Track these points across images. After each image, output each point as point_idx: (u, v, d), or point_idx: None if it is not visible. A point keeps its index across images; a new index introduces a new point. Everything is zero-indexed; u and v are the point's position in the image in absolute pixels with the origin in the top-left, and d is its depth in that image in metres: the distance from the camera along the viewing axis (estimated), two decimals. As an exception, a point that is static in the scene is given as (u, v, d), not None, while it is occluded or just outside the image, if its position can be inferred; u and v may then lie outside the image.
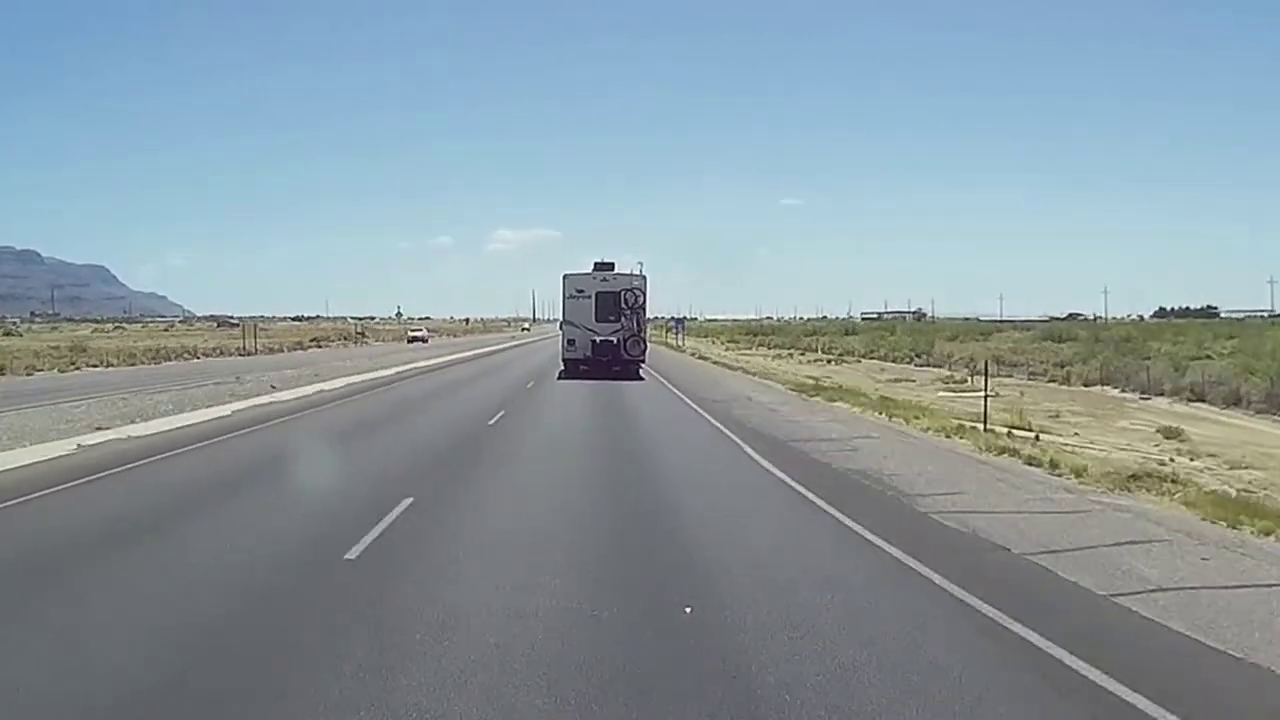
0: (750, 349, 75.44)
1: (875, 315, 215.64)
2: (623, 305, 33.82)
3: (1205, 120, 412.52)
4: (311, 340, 76.83)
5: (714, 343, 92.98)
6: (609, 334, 33.69)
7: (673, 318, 76.84)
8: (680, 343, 75.76)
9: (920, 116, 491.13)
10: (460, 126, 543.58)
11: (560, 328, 37.30)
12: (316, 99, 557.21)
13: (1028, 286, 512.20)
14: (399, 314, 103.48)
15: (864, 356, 55.28)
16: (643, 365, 35.09)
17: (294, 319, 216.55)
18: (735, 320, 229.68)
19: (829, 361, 51.86)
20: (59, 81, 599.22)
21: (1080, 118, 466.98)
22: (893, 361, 50.94)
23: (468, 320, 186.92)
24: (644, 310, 34.73)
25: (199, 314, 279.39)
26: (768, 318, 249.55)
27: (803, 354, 63.82)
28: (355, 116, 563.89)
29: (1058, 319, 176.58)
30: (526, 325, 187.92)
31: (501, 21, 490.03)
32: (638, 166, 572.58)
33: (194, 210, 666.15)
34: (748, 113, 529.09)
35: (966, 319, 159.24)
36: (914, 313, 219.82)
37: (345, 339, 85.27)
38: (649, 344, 37.09)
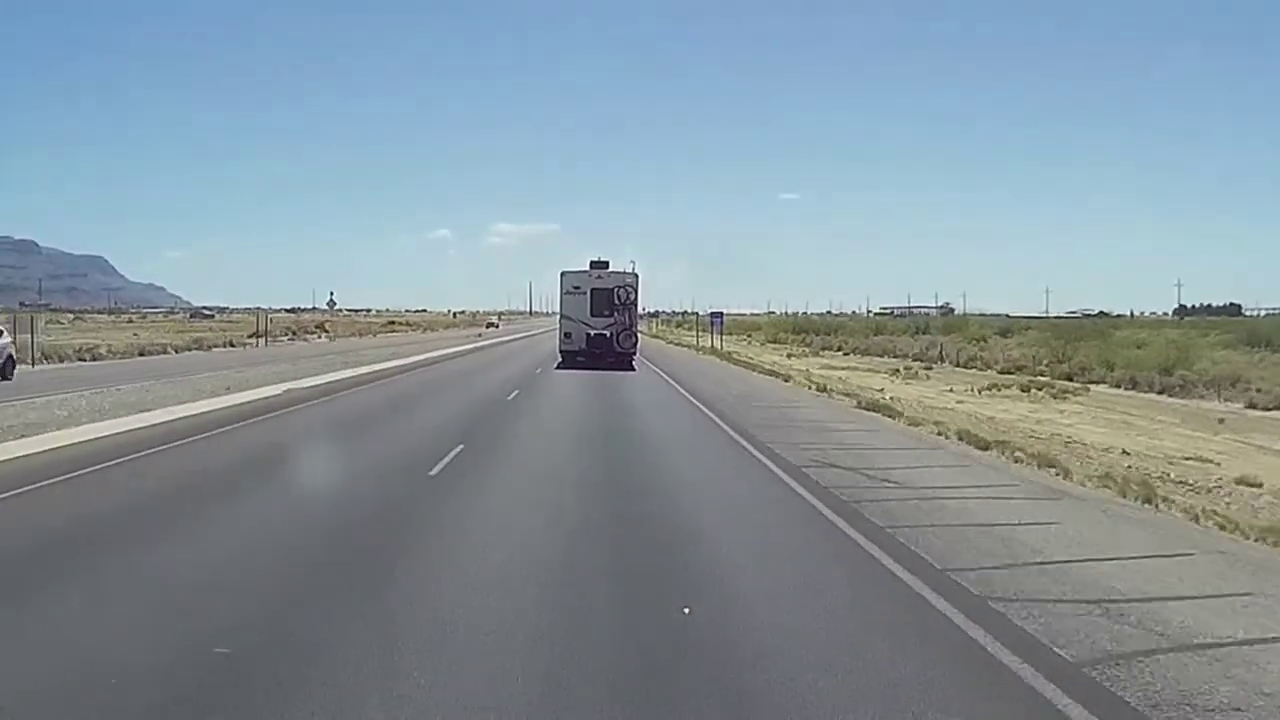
0: (819, 356, 51.22)
1: (889, 310, 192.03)
2: (615, 301, 34.40)
3: (1212, 120, 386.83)
4: (194, 343, 52.83)
5: (750, 343, 68.95)
6: (603, 328, 34.21)
7: (711, 313, 52.07)
8: (721, 345, 51.80)
9: (921, 116, 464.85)
10: (459, 119, 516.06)
11: (558, 321, 37.22)
12: (318, 91, 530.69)
13: (1037, 283, 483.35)
14: (331, 302, 78.58)
15: (1065, 377, 31.03)
16: (635, 357, 35.16)
17: (288, 310, 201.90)
18: (742, 315, 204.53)
19: (1029, 391, 27.54)
20: (59, 73, 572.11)
21: (1084, 116, 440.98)
22: (1157, 391, 26.74)
23: (456, 314, 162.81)
24: (635, 306, 35.71)
25: (196, 305, 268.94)
26: (771, 312, 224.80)
27: (925, 368, 39.48)
28: (355, 108, 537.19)
29: (1090, 315, 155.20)
30: (495, 320, 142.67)
31: (501, 15, 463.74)
32: (637, 160, 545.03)
33: (194, 201, 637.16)
34: (750, 107, 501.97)
35: (987, 315, 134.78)
36: (941, 308, 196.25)
37: (256, 336, 61.26)
38: (640, 337, 39.16)
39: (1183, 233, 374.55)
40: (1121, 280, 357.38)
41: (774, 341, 69.15)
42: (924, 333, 73.00)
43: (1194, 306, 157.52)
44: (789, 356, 47.73)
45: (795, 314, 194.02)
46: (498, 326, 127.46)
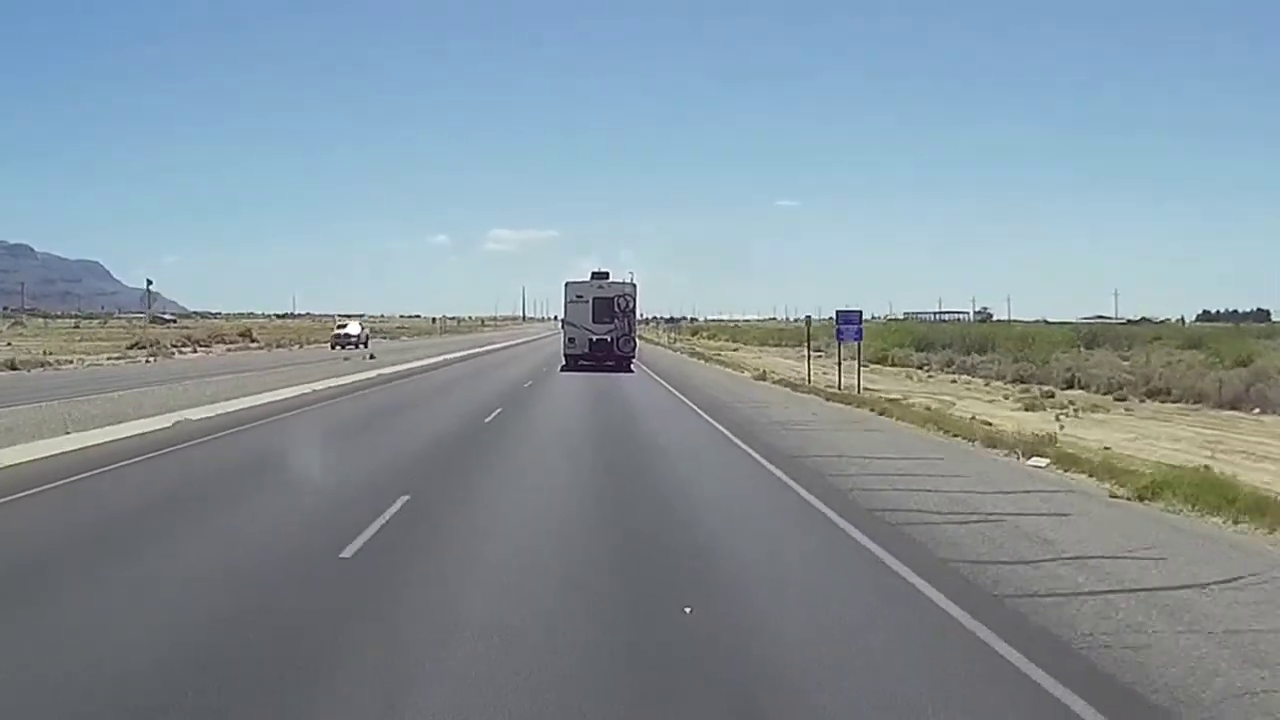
0: (1060, 403, 24.68)
1: (906, 317, 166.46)
2: (615, 309, 35.90)
3: (1228, 117, 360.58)
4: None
5: (877, 370, 42.42)
6: (604, 333, 35.62)
7: (840, 314, 25.98)
8: (859, 381, 25.50)
9: (926, 117, 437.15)
10: (457, 125, 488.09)
11: (562, 327, 39.02)
12: (315, 97, 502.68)
13: (1066, 288, 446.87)
14: (150, 299, 51.83)
15: None
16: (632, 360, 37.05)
17: (280, 316, 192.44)
18: (747, 321, 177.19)
19: None
20: (56, 75, 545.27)
21: (1095, 113, 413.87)
22: None
23: (435, 319, 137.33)
24: (634, 313, 37.91)
25: (191, 309, 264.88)
26: (771, 317, 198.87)
27: None
28: (353, 114, 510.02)
29: (1151, 321, 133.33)
30: (352, 329, 66.89)
31: (500, 21, 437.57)
32: (636, 166, 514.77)
33: (189, 206, 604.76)
34: (750, 111, 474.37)
35: (1040, 322, 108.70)
36: (979, 313, 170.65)
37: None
38: (638, 343, 41.75)
39: (1190, 237, 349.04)
40: (1126, 284, 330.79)
41: (880, 361, 42.45)
42: (1093, 346, 47.54)
43: (1218, 312, 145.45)
44: (1028, 410, 21.32)
45: (801, 320, 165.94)
46: (358, 345, 59.31)
